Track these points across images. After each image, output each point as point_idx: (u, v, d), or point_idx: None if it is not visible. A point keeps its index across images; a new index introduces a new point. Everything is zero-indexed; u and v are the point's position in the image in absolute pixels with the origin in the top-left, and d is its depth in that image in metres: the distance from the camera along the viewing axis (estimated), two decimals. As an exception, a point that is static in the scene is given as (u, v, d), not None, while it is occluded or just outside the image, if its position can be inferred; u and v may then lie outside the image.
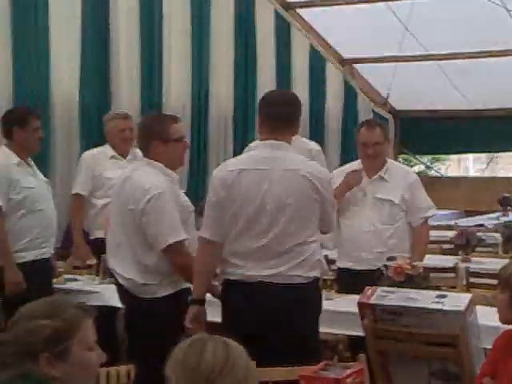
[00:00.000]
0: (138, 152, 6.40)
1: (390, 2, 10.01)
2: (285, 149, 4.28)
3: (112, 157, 6.70)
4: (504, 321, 3.52)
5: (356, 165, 5.89)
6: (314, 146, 6.72)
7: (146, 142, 4.69)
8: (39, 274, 5.67)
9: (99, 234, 6.34)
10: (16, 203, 5.64)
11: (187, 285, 4.60)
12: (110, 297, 5.57)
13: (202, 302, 4.35)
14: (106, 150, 6.77)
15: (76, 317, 2.52)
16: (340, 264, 5.88)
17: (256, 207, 4.19)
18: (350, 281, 5.58)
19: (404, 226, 5.68)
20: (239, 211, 4.22)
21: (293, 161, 4.26)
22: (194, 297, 4.37)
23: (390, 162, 5.95)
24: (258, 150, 4.37)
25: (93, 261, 6.43)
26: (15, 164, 5.70)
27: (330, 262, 6.23)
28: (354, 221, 5.73)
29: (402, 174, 5.78)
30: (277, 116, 4.32)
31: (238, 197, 4.21)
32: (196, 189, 9.36)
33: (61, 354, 2.46)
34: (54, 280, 6.02)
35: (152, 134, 4.66)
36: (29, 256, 5.68)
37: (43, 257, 5.79)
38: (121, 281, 4.64)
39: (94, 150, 6.89)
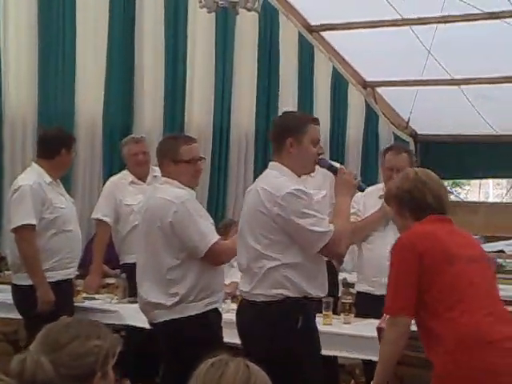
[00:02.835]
0: (158, 171, 6.49)
1: (413, 26, 10.02)
2: (273, 168, 4.35)
3: (131, 182, 6.62)
4: (399, 227, 3.90)
5: (381, 187, 5.85)
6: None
7: (160, 161, 4.87)
8: (64, 294, 5.67)
9: (128, 260, 6.31)
10: (48, 222, 5.64)
11: (215, 305, 4.68)
12: (129, 316, 5.58)
13: None
14: (126, 175, 6.70)
15: (115, 338, 2.58)
16: (359, 288, 5.86)
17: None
18: (369, 305, 5.55)
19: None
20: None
21: (265, 179, 4.34)
22: None
23: (415, 187, 5.91)
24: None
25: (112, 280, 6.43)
26: (47, 183, 5.69)
27: (349, 285, 6.20)
28: (376, 245, 5.70)
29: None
30: (271, 137, 4.51)
31: None
32: (216, 208, 9.37)
33: (106, 374, 2.51)
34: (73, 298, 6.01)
35: (163, 154, 4.83)
36: (57, 276, 5.67)
37: (68, 277, 5.80)
38: (149, 308, 4.73)
39: (116, 177, 6.82)
